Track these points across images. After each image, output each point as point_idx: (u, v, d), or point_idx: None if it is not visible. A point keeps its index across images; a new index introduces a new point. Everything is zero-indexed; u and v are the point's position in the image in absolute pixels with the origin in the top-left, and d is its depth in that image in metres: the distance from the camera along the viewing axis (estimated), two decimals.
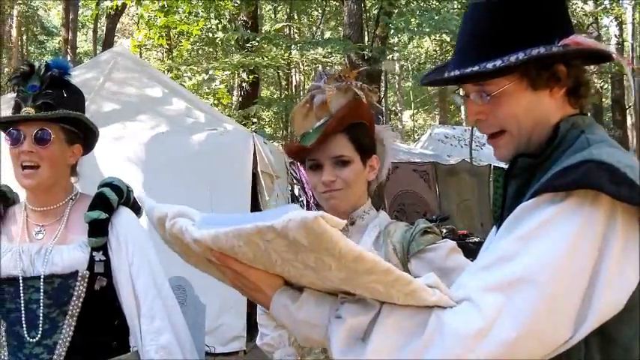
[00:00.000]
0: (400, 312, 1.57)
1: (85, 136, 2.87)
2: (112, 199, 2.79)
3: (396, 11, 16.63)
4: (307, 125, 2.56)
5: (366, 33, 16.42)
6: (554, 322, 1.53)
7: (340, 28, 23.76)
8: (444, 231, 12.82)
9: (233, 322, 8.30)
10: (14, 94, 2.83)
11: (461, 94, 1.92)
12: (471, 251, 12.73)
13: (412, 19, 16.79)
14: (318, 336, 1.68)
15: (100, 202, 2.79)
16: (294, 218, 1.50)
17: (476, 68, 1.74)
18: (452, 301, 1.57)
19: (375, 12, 18.27)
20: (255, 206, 8.63)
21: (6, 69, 34.62)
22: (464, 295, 1.57)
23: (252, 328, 8.65)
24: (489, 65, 1.72)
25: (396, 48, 23.74)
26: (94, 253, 2.72)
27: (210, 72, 19.11)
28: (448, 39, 20.23)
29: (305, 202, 11.42)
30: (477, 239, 13.19)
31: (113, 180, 2.89)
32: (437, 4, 17.90)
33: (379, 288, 1.56)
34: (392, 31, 16.03)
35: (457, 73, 1.80)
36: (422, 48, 30.88)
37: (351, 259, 1.51)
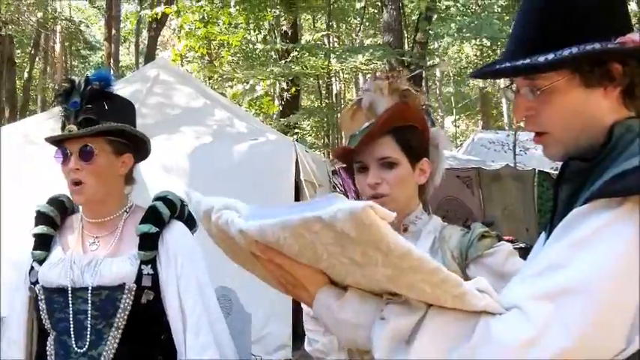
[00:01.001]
0: (447, 316, 1.53)
1: (135, 144, 2.88)
2: (164, 213, 2.80)
3: (436, 16, 16.57)
4: (354, 127, 2.53)
5: (405, 39, 16.37)
6: (607, 333, 1.48)
7: (380, 35, 23.76)
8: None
9: (279, 331, 8.29)
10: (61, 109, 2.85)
11: (513, 89, 1.87)
12: None
13: (452, 24, 16.73)
14: (360, 337, 1.64)
15: (151, 215, 2.80)
16: (343, 208, 1.46)
17: (527, 61, 1.69)
18: (500, 307, 1.54)
19: (415, 18, 18.24)
20: None
21: (50, 84, 35.14)
22: (513, 303, 1.52)
23: (297, 336, 8.65)
24: (541, 58, 1.67)
25: (436, 53, 23.65)
26: (143, 267, 2.72)
27: (251, 82, 19.17)
28: (489, 43, 20.08)
29: None
30: (522, 245, 13.03)
31: (167, 194, 2.90)
32: (477, 8, 17.80)
33: (426, 288, 1.51)
34: (432, 37, 15.95)
35: (508, 65, 1.75)
36: (462, 53, 30.71)
37: (399, 255, 1.48)
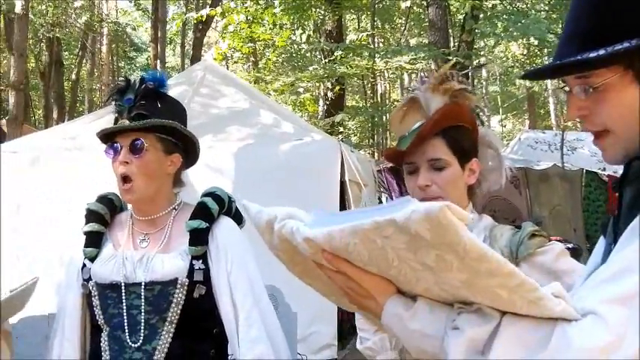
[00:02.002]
0: (522, 324, 1.50)
1: (184, 145, 2.91)
2: (213, 208, 2.84)
3: (482, 16, 16.43)
4: (404, 128, 2.52)
5: (451, 38, 16.26)
6: None
7: (425, 34, 23.63)
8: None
9: (324, 331, 8.29)
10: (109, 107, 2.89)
11: (566, 89, 1.82)
12: None
13: (498, 23, 16.58)
14: (432, 347, 1.62)
15: (201, 211, 2.84)
16: (418, 209, 1.44)
17: (578, 58, 1.65)
18: (576, 313, 1.50)
19: (460, 17, 18.12)
20: None
21: (97, 85, 35.57)
22: (588, 309, 1.48)
23: (343, 336, 8.65)
24: (592, 55, 1.62)
25: (482, 52, 23.47)
26: (194, 262, 2.76)
27: (296, 82, 19.22)
28: (536, 42, 19.87)
29: None
30: (570, 245, 12.87)
31: (215, 190, 2.93)
32: (524, 7, 17.61)
33: (502, 293, 1.48)
34: (478, 36, 15.82)
35: (557, 63, 1.71)
36: (509, 52, 30.43)
37: (475, 257, 1.45)
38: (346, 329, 8.80)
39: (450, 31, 16.99)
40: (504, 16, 16.61)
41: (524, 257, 2.35)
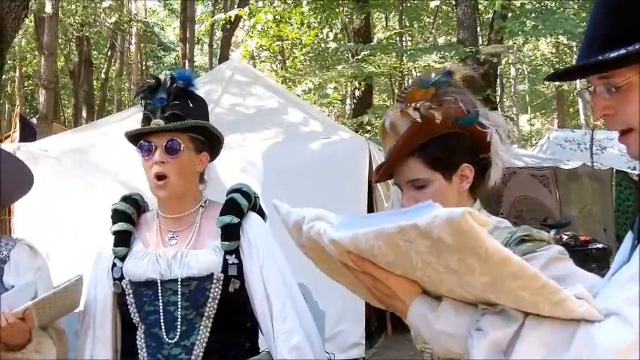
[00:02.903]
0: (545, 326, 1.51)
1: (211, 144, 2.94)
2: (243, 204, 2.87)
3: (510, 15, 16.33)
4: (386, 150, 2.45)
5: (479, 36, 16.17)
6: None
7: (453, 33, 23.53)
8: (565, 237, 12.45)
9: (352, 329, 8.30)
10: (134, 108, 2.91)
11: (590, 89, 1.82)
12: (594, 257, 12.35)
13: (527, 22, 16.47)
14: (456, 347, 1.64)
15: (231, 207, 2.86)
16: (440, 215, 1.46)
17: (599, 58, 1.66)
18: (599, 314, 1.50)
19: (489, 16, 18.03)
20: None
21: (126, 84, 35.80)
22: (612, 309, 1.48)
23: (370, 335, 8.65)
24: (613, 54, 1.63)
25: (510, 51, 23.33)
26: (227, 257, 2.79)
27: (323, 78, 19.23)
28: (565, 40, 19.75)
29: None
30: (599, 245, 12.79)
31: (242, 186, 2.96)
32: (552, 5, 17.48)
33: (525, 295, 1.49)
34: (507, 34, 15.72)
35: (579, 64, 1.72)
36: (538, 50, 30.26)
37: (498, 261, 1.46)
38: (374, 328, 8.80)
39: (479, 29, 16.88)
40: (533, 15, 16.50)
41: None
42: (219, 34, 26.58)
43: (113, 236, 2.94)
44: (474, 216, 1.44)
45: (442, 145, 2.33)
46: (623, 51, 1.62)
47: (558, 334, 1.49)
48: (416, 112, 2.30)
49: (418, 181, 2.35)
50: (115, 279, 2.88)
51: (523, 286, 1.48)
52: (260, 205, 2.99)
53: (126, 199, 3.02)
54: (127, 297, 2.84)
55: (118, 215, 2.96)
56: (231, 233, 2.81)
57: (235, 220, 2.82)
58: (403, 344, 8.75)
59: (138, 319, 2.82)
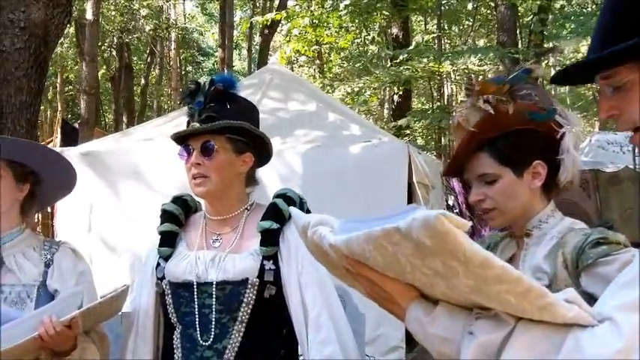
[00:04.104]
0: (535, 331, 1.48)
1: (255, 144, 2.93)
2: (284, 209, 2.85)
3: (551, 17, 16.23)
4: (457, 143, 2.48)
5: (520, 39, 16.08)
6: None
7: (492, 35, 23.41)
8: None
9: (392, 333, 8.27)
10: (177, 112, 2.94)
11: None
12: None
13: (567, 24, 16.36)
14: (450, 351, 1.63)
15: (272, 212, 2.85)
16: (417, 217, 1.46)
17: (593, 57, 1.62)
18: (591, 319, 1.47)
19: (528, 19, 17.93)
20: None
21: (166, 89, 36.10)
22: (605, 314, 1.45)
23: (411, 338, 8.60)
24: (605, 52, 1.58)
25: (551, 54, 23.14)
26: (265, 262, 2.78)
27: (361, 84, 19.25)
28: None
29: (458, 213, 11.28)
30: None
31: (287, 191, 2.95)
32: (593, 7, 17.33)
33: (511, 299, 1.48)
34: (547, 37, 15.62)
35: (573, 64, 1.69)
36: (578, 53, 29.95)
37: (478, 264, 1.45)
38: None
39: (519, 31, 16.80)
40: (572, 17, 16.39)
41: (584, 268, 2.17)
42: (257, 39, 26.72)
43: (159, 236, 2.96)
44: (449, 218, 1.43)
45: (513, 141, 2.32)
46: (617, 47, 1.57)
47: (548, 339, 1.47)
48: (487, 105, 2.29)
49: (487, 175, 2.35)
50: (158, 278, 2.91)
51: (508, 290, 1.47)
52: (308, 209, 2.94)
53: (176, 199, 3.05)
54: (166, 297, 2.87)
55: (165, 216, 2.99)
56: (270, 239, 2.80)
57: (275, 225, 2.81)
58: None
59: (175, 320, 2.84)
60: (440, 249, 1.46)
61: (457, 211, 11.41)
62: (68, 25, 6.24)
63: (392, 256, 1.58)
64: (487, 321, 1.56)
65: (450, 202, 11.86)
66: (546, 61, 23.14)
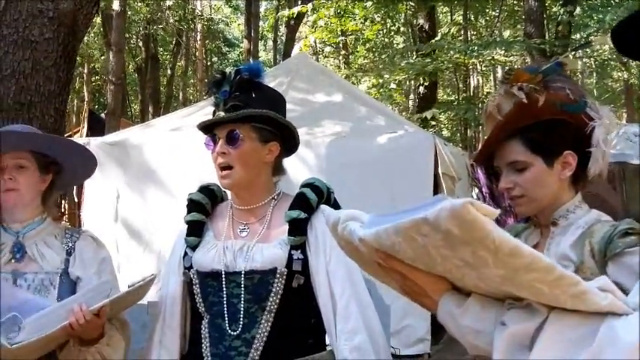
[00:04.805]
0: (568, 320, 1.48)
1: (282, 133, 2.91)
2: (312, 199, 2.83)
3: (579, 9, 16.10)
4: (488, 131, 2.48)
5: (547, 30, 15.96)
6: None
7: (519, 26, 23.24)
8: None
9: (417, 324, 8.28)
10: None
11: None
12: None
13: (594, 15, 16.22)
14: (483, 343, 1.63)
15: (300, 201, 2.84)
16: (445, 206, 1.47)
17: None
18: (626, 307, 1.46)
19: (555, 9, 17.79)
20: None
21: (191, 80, 36.19)
22: None
23: (436, 330, 8.59)
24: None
25: (578, 45, 22.96)
26: (293, 252, 2.77)
27: (386, 76, 19.20)
28: None
29: None
30: None
31: (314, 181, 2.93)
32: None
33: (543, 288, 1.48)
34: (574, 27, 15.49)
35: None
36: (605, 44, 29.66)
37: (507, 253, 1.45)
38: (439, 324, 8.73)
39: (546, 22, 16.67)
40: (600, 8, 16.24)
41: (611, 257, 2.14)
42: (283, 29, 26.70)
43: (186, 226, 2.97)
44: (477, 206, 1.44)
45: (545, 130, 2.32)
46: None
47: (582, 327, 1.47)
48: (520, 92, 2.29)
49: (517, 163, 2.34)
50: (185, 268, 2.91)
51: (539, 278, 1.47)
52: (335, 200, 2.94)
53: (203, 189, 3.04)
54: (194, 286, 2.87)
55: (192, 205, 2.99)
56: (298, 228, 2.79)
57: (303, 215, 2.80)
58: None
59: (203, 309, 2.84)
60: (469, 238, 1.46)
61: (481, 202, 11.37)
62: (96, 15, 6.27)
63: (422, 248, 1.58)
64: (519, 311, 1.55)
65: (474, 194, 11.80)
66: (574, 53, 22.95)
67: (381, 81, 19.41)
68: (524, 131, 2.32)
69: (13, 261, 3.03)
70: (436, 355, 8.70)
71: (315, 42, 20.54)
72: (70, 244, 3.12)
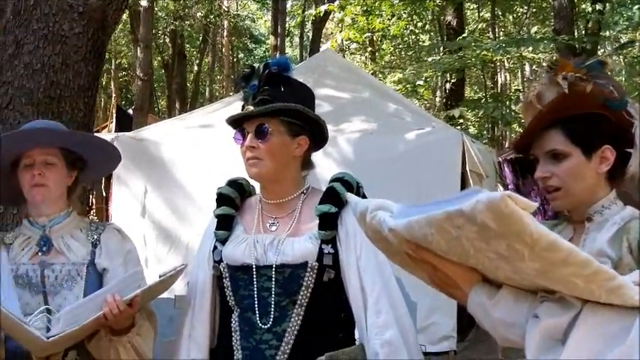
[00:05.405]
0: (602, 315, 1.47)
1: (311, 127, 2.91)
2: (342, 193, 2.81)
3: (609, 5, 15.97)
4: (527, 121, 2.47)
5: (576, 26, 15.84)
6: None
7: (547, 22, 23.09)
8: None
9: (443, 322, 8.25)
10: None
11: None
12: None
13: (623, 12, 16.10)
14: (515, 336, 1.63)
15: (330, 196, 2.83)
16: (481, 199, 1.46)
17: None
18: None
19: (584, 6, 17.67)
20: None
21: (217, 76, 36.30)
22: None
23: (462, 328, 8.57)
24: None
25: (607, 42, 22.81)
26: (323, 246, 2.76)
27: (412, 73, 19.18)
28: None
29: None
30: None
31: (344, 175, 2.91)
32: None
33: (578, 282, 1.47)
34: (604, 25, 15.37)
35: None
36: (636, 41, 29.42)
37: (545, 247, 1.44)
38: (466, 321, 8.70)
39: (575, 18, 16.55)
40: (630, 5, 16.11)
41: None
42: (309, 25, 26.72)
43: (216, 219, 2.97)
44: (514, 199, 1.42)
45: (587, 122, 2.31)
46: None
47: (616, 322, 1.46)
48: (565, 82, 2.29)
49: (556, 152, 2.33)
50: (215, 261, 2.92)
51: (575, 272, 1.46)
52: (364, 194, 2.91)
53: (232, 183, 3.05)
54: (224, 280, 2.87)
55: (221, 199, 3.00)
56: (328, 222, 2.78)
57: (333, 209, 2.79)
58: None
59: (233, 303, 2.85)
60: (505, 231, 1.45)
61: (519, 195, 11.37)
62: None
63: (455, 240, 1.57)
64: (552, 304, 1.55)
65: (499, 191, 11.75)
66: (602, 50, 22.80)
67: (406, 76, 19.37)
68: (566, 121, 2.32)
69: (39, 254, 3.08)
70: (462, 353, 8.67)
71: (342, 40, 20.49)
72: (96, 237, 3.17)
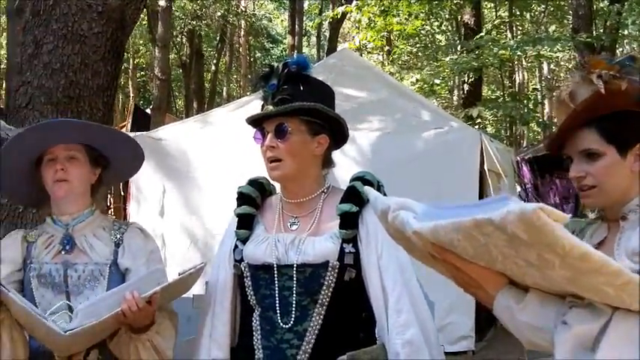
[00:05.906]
0: (633, 321, 1.46)
1: (331, 126, 2.89)
2: (363, 192, 2.78)
3: (626, 4, 15.87)
4: (559, 119, 2.45)
5: (594, 24, 15.75)
6: None
7: (565, 21, 22.98)
8: None
9: (461, 321, 8.23)
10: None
11: None
12: None
13: None
14: (541, 340, 1.61)
15: (351, 195, 2.82)
16: (513, 210, 1.44)
17: None
18: None
19: (602, 4, 17.58)
20: None
21: (234, 76, 36.36)
22: None
23: (480, 328, 8.54)
24: None
25: (626, 41, 22.67)
26: (344, 245, 2.75)
27: (430, 72, 19.15)
28: None
29: (525, 199, 11.15)
30: None
31: (365, 174, 2.90)
32: None
33: (609, 291, 1.45)
34: (623, 23, 15.27)
35: None
36: None
37: (577, 257, 1.43)
38: (484, 321, 8.68)
39: (594, 17, 16.46)
40: None
41: None
42: (326, 25, 26.74)
43: (236, 219, 2.97)
44: (546, 211, 1.41)
45: (621, 120, 2.29)
46: None
47: None
48: (599, 80, 2.25)
49: (589, 150, 2.30)
50: (236, 261, 2.91)
51: (606, 282, 1.45)
52: (385, 193, 2.88)
53: (252, 182, 3.04)
54: (245, 279, 2.87)
55: (242, 198, 2.99)
56: (349, 221, 2.77)
57: (354, 208, 2.78)
58: (514, 338, 8.52)
59: (254, 302, 2.84)
60: (536, 242, 1.44)
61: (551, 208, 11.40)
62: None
63: (483, 247, 1.56)
64: (582, 310, 1.53)
65: (517, 190, 11.71)
66: (621, 49, 22.64)
67: (424, 76, 19.33)
68: (600, 120, 2.29)
69: (62, 252, 3.08)
70: (480, 353, 8.64)
71: (359, 40, 20.49)
72: (119, 236, 3.16)
